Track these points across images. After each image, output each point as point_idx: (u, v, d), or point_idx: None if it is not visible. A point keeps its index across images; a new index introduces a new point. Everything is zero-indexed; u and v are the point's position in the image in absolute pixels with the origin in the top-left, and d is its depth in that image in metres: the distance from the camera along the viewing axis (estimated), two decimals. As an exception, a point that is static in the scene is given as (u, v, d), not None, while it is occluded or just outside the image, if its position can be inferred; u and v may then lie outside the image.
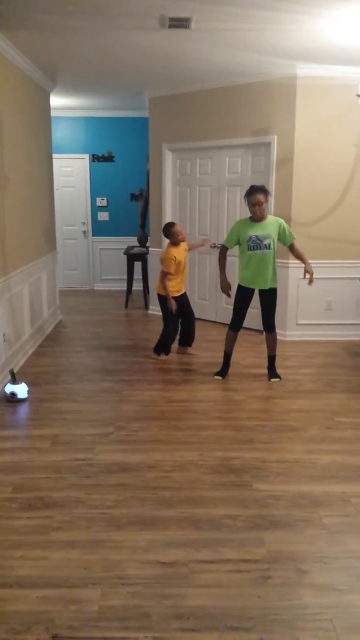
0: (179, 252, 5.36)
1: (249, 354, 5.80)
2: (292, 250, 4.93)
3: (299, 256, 4.90)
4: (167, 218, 7.27)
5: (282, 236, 4.84)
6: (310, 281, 4.83)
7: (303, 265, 4.84)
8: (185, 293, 5.59)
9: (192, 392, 4.74)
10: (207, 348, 5.97)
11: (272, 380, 4.99)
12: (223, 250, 4.99)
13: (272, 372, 5.05)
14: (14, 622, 2.21)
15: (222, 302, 6.97)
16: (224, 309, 6.97)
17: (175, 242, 5.38)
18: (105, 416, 4.24)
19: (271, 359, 5.07)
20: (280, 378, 5.01)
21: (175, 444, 3.79)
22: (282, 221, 4.90)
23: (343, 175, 6.00)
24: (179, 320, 5.60)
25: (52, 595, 2.36)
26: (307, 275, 4.79)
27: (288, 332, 6.28)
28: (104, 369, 5.32)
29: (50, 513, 2.96)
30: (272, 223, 4.82)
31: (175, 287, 5.42)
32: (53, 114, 7.58)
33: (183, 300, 5.54)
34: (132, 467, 3.45)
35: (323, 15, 4.00)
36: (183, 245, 5.44)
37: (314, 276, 4.80)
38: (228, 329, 5.09)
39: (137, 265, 8.10)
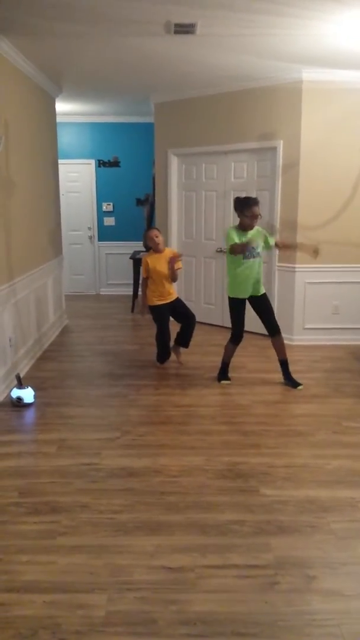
0: (154, 260, 5.32)
1: (255, 358, 5.78)
2: (277, 245, 5.00)
3: (285, 244, 4.95)
4: (173, 223, 7.28)
5: (266, 242, 4.90)
6: (315, 252, 4.86)
7: (294, 247, 4.85)
8: (177, 299, 5.52)
9: (198, 397, 4.73)
10: (213, 353, 5.96)
11: (299, 388, 4.92)
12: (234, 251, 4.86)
13: (293, 380, 5.00)
14: (20, 627, 2.21)
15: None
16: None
17: (152, 249, 5.39)
18: (112, 421, 4.24)
19: (285, 365, 5.03)
20: (301, 384, 4.99)
21: (181, 448, 3.78)
22: (262, 229, 4.94)
23: (349, 179, 5.99)
24: (174, 323, 5.59)
25: (59, 600, 2.35)
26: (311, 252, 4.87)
27: (295, 336, 6.27)
28: (110, 374, 5.32)
29: (57, 518, 2.95)
30: (257, 231, 4.84)
31: (155, 294, 5.40)
32: (59, 119, 7.62)
33: (175, 306, 5.49)
34: (138, 472, 3.44)
35: (328, 19, 4.00)
36: (166, 254, 5.34)
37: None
38: (230, 343, 5.06)
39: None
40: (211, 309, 7.16)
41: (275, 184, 6.19)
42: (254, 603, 2.34)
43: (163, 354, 5.55)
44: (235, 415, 4.37)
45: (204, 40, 4.58)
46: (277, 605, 2.32)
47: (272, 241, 4.94)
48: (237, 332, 4.99)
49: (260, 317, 4.98)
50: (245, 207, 4.71)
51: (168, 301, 5.45)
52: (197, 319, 7.10)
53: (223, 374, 5.15)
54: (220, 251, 6.79)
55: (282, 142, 6.07)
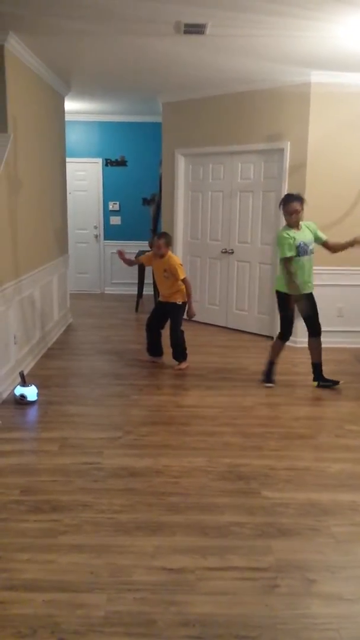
0: (155, 261, 5.44)
1: (258, 360, 5.78)
2: (329, 245, 4.93)
3: (338, 246, 4.90)
4: (179, 223, 7.28)
5: (317, 238, 4.87)
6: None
7: (349, 246, 4.82)
8: (170, 304, 5.48)
9: (200, 398, 4.73)
10: (216, 353, 5.96)
11: (341, 383, 4.97)
12: (289, 260, 4.73)
13: (329, 380, 5.00)
14: (19, 625, 2.21)
15: (233, 307, 6.96)
16: (234, 314, 6.96)
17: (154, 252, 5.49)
18: (114, 420, 4.24)
19: (318, 367, 5.02)
20: (339, 381, 5.01)
21: (183, 449, 3.78)
22: (312, 224, 4.91)
23: (356, 181, 5.98)
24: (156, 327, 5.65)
25: (59, 599, 2.35)
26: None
27: (299, 338, 6.25)
28: (114, 373, 5.32)
29: (58, 517, 2.96)
30: (307, 228, 4.83)
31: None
32: (67, 118, 7.62)
33: (167, 311, 5.51)
34: (140, 472, 3.45)
35: (337, 22, 4.00)
36: (165, 262, 5.37)
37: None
38: (279, 341, 5.01)
39: (148, 269, 8.09)
40: (215, 310, 7.16)
41: (282, 186, 6.18)
42: (254, 606, 2.34)
43: (149, 346, 5.65)
44: (238, 416, 4.36)
45: (214, 41, 4.58)
46: (276, 608, 2.32)
47: (323, 237, 4.89)
48: (287, 330, 4.96)
49: (306, 317, 4.92)
50: (285, 203, 4.73)
51: (162, 300, 5.52)
52: (201, 319, 7.14)
53: (269, 375, 5.08)
54: (226, 252, 6.80)
55: (289, 143, 6.06)
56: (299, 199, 4.72)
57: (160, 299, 5.59)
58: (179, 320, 5.45)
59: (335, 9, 3.74)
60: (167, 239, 5.39)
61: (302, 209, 4.75)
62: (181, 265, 5.43)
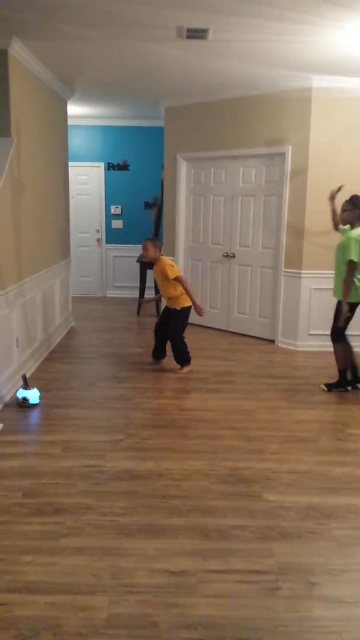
0: (156, 264, 5.43)
1: (259, 363, 5.79)
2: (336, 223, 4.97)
3: (336, 217, 4.93)
4: (181, 227, 7.30)
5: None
6: None
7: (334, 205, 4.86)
8: (172, 310, 5.47)
9: (202, 401, 4.74)
10: (217, 357, 5.97)
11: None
12: (353, 266, 4.66)
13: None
14: (22, 627, 2.22)
15: (234, 311, 6.98)
16: (236, 318, 6.98)
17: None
18: (116, 423, 4.25)
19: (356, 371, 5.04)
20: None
21: (185, 452, 3.79)
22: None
23: (357, 186, 5.97)
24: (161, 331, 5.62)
25: (61, 601, 2.36)
26: None
27: (299, 342, 6.27)
28: (115, 376, 5.33)
29: (60, 519, 2.97)
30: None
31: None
32: (70, 122, 7.66)
33: (167, 315, 5.52)
34: (142, 475, 3.46)
35: (338, 27, 4.02)
36: (158, 266, 5.39)
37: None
38: (343, 343, 4.97)
39: (150, 273, 8.13)
40: (216, 314, 7.17)
41: (283, 190, 6.21)
42: (255, 608, 2.35)
43: (154, 350, 5.66)
44: (239, 420, 4.37)
45: (216, 46, 4.60)
46: (278, 611, 2.33)
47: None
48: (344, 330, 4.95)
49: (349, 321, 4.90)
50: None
51: (167, 305, 5.53)
52: (202, 323, 7.15)
53: (355, 379, 5.07)
54: (227, 255, 6.82)
55: (290, 147, 6.08)
56: None
57: (167, 304, 5.57)
58: (177, 326, 5.42)
59: (336, 15, 3.76)
60: (154, 243, 5.35)
61: None
62: (172, 265, 5.32)
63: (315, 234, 6.04)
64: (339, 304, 4.81)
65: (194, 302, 5.32)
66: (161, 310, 5.77)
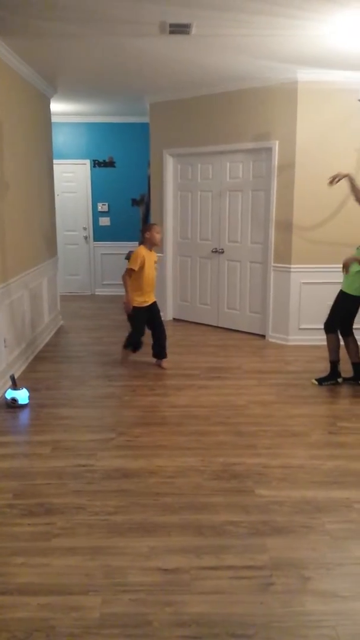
0: (149, 255, 5.23)
1: (251, 358, 5.78)
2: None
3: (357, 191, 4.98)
4: (169, 223, 7.27)
5: None
6: None
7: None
8: (154, 303, 5.42)
9: (193, 397, 4.73)
10: (208, 353, 5.96)
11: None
12: None
13: None
14: (14, 629, 2.19)
15: (224, 307, 6.97)
16: (226, 313, 6.97)
17: (151, 244, 5.24)
18: (107, 422, 4.23)
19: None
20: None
21: (176, 449, 3.77)
22: None
23: (344, 180, 5.98)
24: (149, 330, 5.50)
25: (53, 602, 2.34)
26: None
27: (290, 336, 6.27)
28: (105, 375, 5.30)
29: (51, 520, 2.94)
30: None
31: (138, 292, 5.25)
32: (54, 119, 7.60)
33: (152, 311, 5.41)
34: (133, 473, 3.43)
35: (324, 20, 4.01)
36: (154, 254, 5.33)
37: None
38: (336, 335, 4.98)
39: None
40: (206, 309, 7.16)
41: (271, 184, 6.19)
42: (249, 604, 2.33)
43: (136, 345, 5.55)
44: (231, 415, 4.36)
45: (199, 41, 4.57)
46: (272, 607, 2.32)
47: None
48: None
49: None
50: None
51: (149, 303, 5.37)
52: (193, 319, 7.14)
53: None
54: (216, 251, 6.80)
55: (277, 142, 6.07)
56: None
57: (146, 303, 5.34)
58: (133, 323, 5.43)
59: (320, 8, 3.74)
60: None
61: None
62: (137, 257, 5.16)
63: (304, 228, 6.04)
64: (343, 296, 4.88)
65: (125, 296, 5.25)
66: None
